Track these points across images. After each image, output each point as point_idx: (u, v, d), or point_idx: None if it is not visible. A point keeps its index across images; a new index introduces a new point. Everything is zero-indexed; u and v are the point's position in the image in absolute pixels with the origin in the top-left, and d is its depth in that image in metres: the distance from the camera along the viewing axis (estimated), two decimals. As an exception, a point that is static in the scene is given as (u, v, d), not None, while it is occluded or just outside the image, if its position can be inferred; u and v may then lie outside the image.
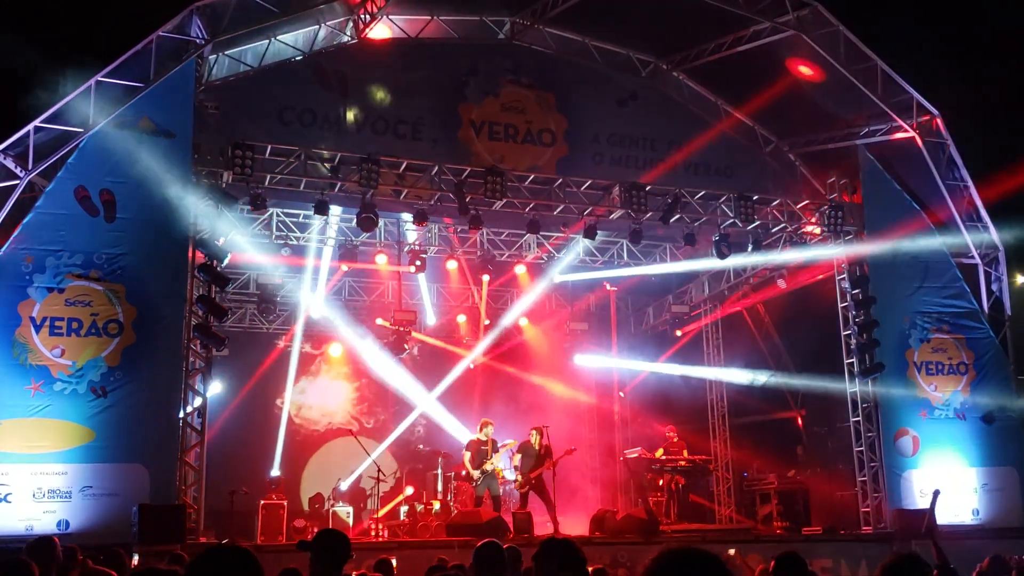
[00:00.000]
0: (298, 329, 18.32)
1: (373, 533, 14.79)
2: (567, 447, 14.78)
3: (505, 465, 15.13)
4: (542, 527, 14.18)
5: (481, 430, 14.99)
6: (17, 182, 11.72)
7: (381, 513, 15.67)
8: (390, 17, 14.71)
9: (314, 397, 19.19)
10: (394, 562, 8.45)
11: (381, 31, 14.77)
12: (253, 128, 13.52)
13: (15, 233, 11.56)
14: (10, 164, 11.76)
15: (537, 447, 14.70)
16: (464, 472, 14.87)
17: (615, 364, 20.17)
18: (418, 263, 16.54)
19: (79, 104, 11.94)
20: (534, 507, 14.43)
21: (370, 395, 19.65)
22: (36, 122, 11.78)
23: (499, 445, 14.87)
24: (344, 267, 17.32)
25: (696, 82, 16.54)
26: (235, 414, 17.10)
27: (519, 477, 14.61)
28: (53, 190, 11.74)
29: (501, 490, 14.93)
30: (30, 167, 11.75)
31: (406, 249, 16.77)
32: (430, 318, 19.54)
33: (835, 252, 15.80)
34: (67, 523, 11.06)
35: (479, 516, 13.19)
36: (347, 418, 19.07)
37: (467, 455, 14.71)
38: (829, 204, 15.51)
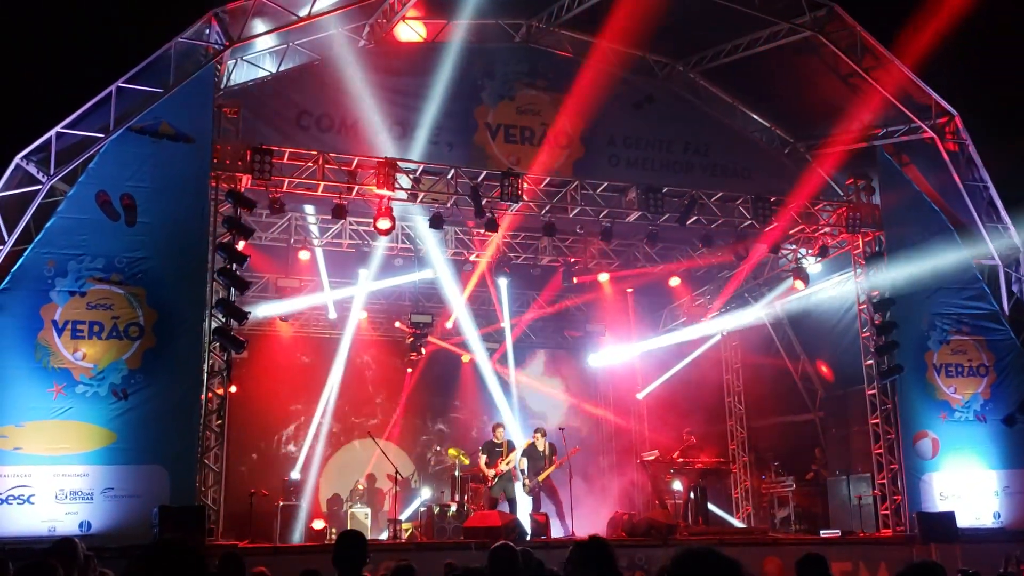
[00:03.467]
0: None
1: (391, 535, 14.85)
2: (572, 447, 14.78)
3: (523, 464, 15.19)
4: (560, 529, 14.23)
5: (494, 432, 15.15)
6: (39, 187, 11.84)
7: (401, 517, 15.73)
8: (407, 21, 14.78)
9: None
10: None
11: (398, 35, 14.84)
12: (271, 133, 13.64)
13: (37, 238, 11.68)
14: (32, 169, 11.87)
15: (542, 449, 14.81)
16: (481, 475, 14.97)
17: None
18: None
19: (100, 110, 12.06)
20: (549, 508, 14.50)
21: (387, 398, 19.73)
22: (58, 128, 11.88)
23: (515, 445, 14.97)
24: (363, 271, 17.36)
25: (712, 84, 16.53)
26: (255, 416, 17.18)
27: (526, 481, 14.70)
28: (74, 195, 11.84)
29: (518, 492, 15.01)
30: (52, 172, 11.86)
31: (422, 252, 16.81)
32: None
33: (854, 253, 15.76)
34: (89, 524, 11.14)
35: (495, 518, 13.22)
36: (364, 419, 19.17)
37: (483, 458, 14.87)
38: (847, 205, 15.45)
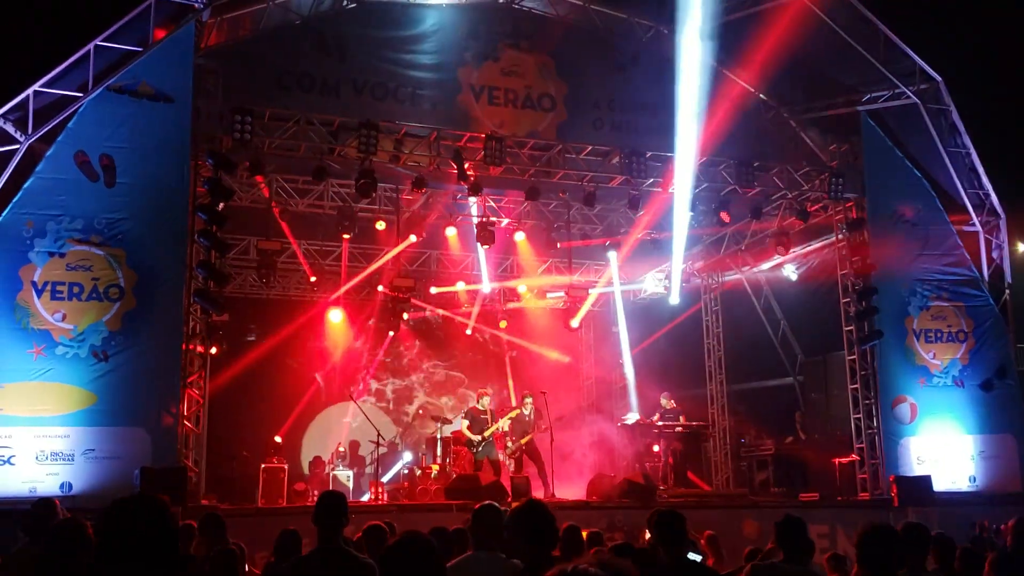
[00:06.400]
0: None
1: (373, 496, 14.93)
2: (558, 414, 14.95)
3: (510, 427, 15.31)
4: (541, 491, 14.35)
5: (479, 400, 15.23)
6: (17, 147, 11.69)
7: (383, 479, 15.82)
8: (390, -20, 14.55)
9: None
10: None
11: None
12: (252, 93, 13.47)
13: (16, 198, 11.54)
14: (10, 129, 11.72)
15: (527, 413, 14.93)
16: (466, 440, 15.03)
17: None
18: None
19: (78, 69, 11.88)
20: (530, 471, 14.62)
21: (370, 361, 19.76)
22: (35, 86, 11.72)
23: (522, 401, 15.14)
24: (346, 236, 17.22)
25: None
26: (234, 379, 17.13)
27: (510, 444, 14.81)
28: (53, 155, 11.70)
29: (501, 455, 15.12)
30: (30, 132, 11.72)
31: (405, 216, 16.71)
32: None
33: (835, 219, 15.81)
34: (70, 485, 11.16)
35: (477, 480, 13.31)
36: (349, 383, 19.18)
37: (464, 423, 14.96)
38: (830, 171, 15.46)
